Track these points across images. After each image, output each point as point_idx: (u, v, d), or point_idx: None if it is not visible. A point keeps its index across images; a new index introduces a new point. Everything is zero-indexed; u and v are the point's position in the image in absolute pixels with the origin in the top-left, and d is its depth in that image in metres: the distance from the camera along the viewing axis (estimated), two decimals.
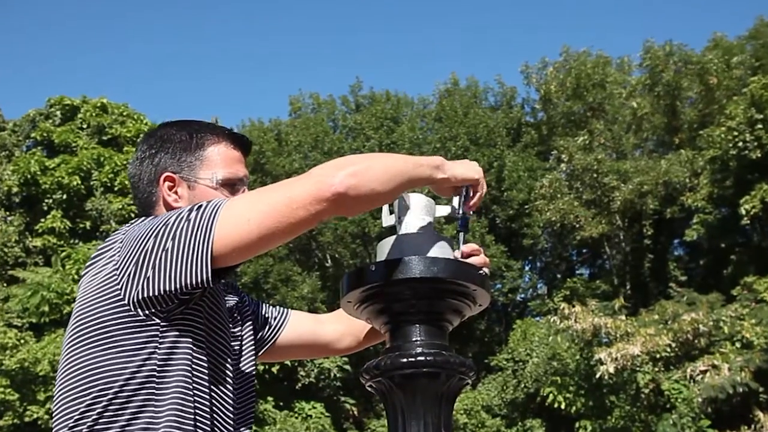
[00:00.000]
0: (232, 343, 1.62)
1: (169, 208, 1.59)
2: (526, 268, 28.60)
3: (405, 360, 1.42)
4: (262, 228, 1.36)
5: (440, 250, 1.50)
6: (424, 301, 1.47)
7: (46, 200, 20.30)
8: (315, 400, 21.82)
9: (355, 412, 23.19)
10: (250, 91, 59.24)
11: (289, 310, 1.94)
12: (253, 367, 1.72)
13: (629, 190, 22.05)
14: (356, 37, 56.68)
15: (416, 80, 56.00)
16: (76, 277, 17.39)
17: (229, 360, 1.57)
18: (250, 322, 1.76)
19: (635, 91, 23.96)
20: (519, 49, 53.27)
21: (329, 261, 25.47)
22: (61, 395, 1.46)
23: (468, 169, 1.56)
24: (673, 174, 21.77)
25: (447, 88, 28.65)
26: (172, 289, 1.39)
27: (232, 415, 1.54)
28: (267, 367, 20.75)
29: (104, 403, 1.40)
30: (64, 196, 20.19)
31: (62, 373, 1.47)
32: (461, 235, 1.60)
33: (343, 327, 1.92)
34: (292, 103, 28.46)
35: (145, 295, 1.41)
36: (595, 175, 22.57)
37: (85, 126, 21.75)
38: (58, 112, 22.12)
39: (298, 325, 1.91)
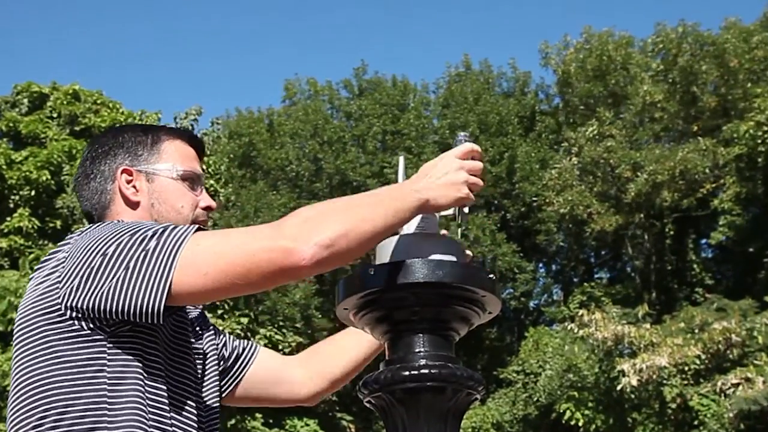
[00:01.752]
0: (196, 361, 1.66)
1: (127, 202, 1.65)
2: (541, 271, 28.65)
3: (407, 373, 1.42)
4: (217, 284, 1.39)
5: (448, 251, 1.49)
6: (428, 308, 1.47)
7: (13, 197, 20.26)
8: (308, 416, 21.85)
9: (353, 430, 23.21)
10: (239, 77, 59.26)
11: (258, 345, 1.97)
12: (217, 396, 1.75)
13: (643, 182, 22.04)
14: (358, 18, 56.66)
15: (424, 65, 55.99)
16: None
17: (191, 381, 1.60)
18: (212, 346, 1.80)
19: (657, 75, 23.98)
20: (528, 32, 53.25)
21: None
22: (10, 414, 1.49)
23: (448, 190, 1.49)
24: (690, 163, 21.75)
25: (459, 72, 28.74)
26: (117, 318, 1.43)
27: None
28: None
29: (49, 425, 1.43)
30: (32, 193, 20.15)
31: (11, 392, 1.50)
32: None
33: (309, 372, 1.94)
34: (287, 88, 28.50)
35: (87, 314, 1.44)
36: (608, 168, 22.59)
37: (55, 115, 21.72)
38: (26, 100, 22.10)
39: (268, 361, 1.94)
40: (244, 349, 1.93)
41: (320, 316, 24.29)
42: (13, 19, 55.71)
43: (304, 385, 1.94)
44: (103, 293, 1.41)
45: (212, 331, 1.84)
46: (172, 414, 1.51)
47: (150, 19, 59.56)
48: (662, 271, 24.92)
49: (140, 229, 1.45)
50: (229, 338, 1.93)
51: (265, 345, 21.60)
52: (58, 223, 20.21)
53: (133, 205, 1.65)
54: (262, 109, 28.26)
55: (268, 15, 57.16)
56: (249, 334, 22.03)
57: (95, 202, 1.68)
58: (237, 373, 1.89)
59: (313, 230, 1.35)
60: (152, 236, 1.43)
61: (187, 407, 1.56)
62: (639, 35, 31.59)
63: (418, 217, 1.52)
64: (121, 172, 1.66)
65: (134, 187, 1.66)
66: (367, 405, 1.51)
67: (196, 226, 1.48)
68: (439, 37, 52.30)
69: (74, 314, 1.44)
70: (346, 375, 1.94)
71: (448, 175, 1.49)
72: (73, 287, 1.44)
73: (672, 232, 24.67)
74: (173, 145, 1.72)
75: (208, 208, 1.72)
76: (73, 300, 1.44)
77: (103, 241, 1.45)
